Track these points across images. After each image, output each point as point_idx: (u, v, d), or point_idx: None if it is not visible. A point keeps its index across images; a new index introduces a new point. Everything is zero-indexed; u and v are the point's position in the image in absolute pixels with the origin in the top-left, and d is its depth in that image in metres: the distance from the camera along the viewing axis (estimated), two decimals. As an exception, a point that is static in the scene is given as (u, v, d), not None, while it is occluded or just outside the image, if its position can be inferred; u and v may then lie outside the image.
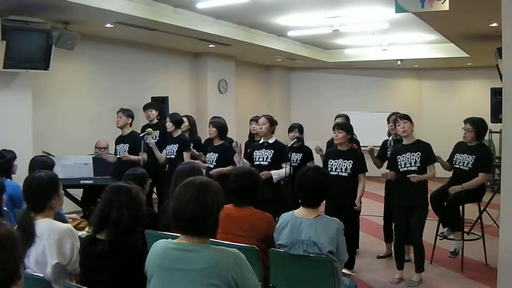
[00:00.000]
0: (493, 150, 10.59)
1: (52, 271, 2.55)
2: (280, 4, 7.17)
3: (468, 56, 9.93)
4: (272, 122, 5.40)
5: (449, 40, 8.66)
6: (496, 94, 7.03)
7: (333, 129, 4.95)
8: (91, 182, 5.58)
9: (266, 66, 12.64)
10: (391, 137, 5.58)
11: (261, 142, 5.43)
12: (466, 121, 5.06)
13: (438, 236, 5.36)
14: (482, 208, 5.44)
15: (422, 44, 10.46)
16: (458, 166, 5.03)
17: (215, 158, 5.39)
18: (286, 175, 5.07)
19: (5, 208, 3.49)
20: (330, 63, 11.97)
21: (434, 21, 6.73)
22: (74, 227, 3.31)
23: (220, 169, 5.25)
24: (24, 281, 1.55)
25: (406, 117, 4.78)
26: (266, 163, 5.22)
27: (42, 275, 2.42)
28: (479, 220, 5.40)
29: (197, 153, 6.19)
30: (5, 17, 5.72)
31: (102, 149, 6.30)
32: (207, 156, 5.56)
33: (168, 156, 5.99)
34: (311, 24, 8.45)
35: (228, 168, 5.25)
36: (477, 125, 4.99)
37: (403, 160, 4.71)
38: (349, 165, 4.79)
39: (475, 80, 12.18)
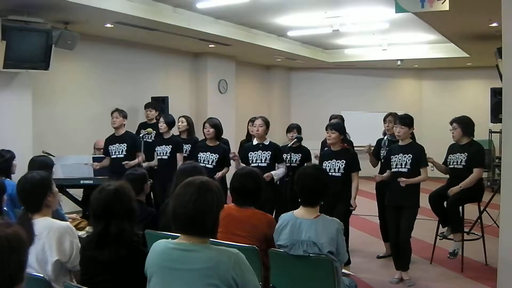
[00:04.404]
0: (493, 150, 10.59)
1: (53, 269, 2.56)
2: (280, 4, 7.17)
3: (468, 56, 9.93)
4: (268, 125, 5.43)
5: (449, 40, 8.66)
6: (496, 94, 7.03)
7: (326, 130, 4.98)
8: (91, 182, 5.57)
9: (266, 66, 12.63)
10: (386, 137, 5.59)
11: (255, 143, 5.39)
12: (451, 122, 5.16)
13: (438, 236, 5.37)
14: (482, 208, 5.45)
15: (422, 44, 10.45)
16: (453, 166, 5.07)
17: (216, 159, 5.43)
18: (285, 175, 5.08)
19: (5, 208, 3.49)
20: (330, 63, 11.96)
21: (434, 21, 6.73)
22: (74, 227, 3.32)
23: (222, 173, 5.40)
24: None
25: (404, 123, 4.77)
26: (264, 164, 5.22)
27: (42, 275, 2.42)
28: (479, 220, 5.40)
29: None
30: (5, 17, 5.71)
31: (101, 150, 6.28)
32: (202, 155, 5.53)
33: (160, 157, 5.98)
34: (311, 24, 8.45)
35: (224, 171, 5.45)
36: (461, 121, 5.09)
37: (395, 161, 4.76)
38: (342, 165, 4.81)
39: (475, 80, 12.18)
